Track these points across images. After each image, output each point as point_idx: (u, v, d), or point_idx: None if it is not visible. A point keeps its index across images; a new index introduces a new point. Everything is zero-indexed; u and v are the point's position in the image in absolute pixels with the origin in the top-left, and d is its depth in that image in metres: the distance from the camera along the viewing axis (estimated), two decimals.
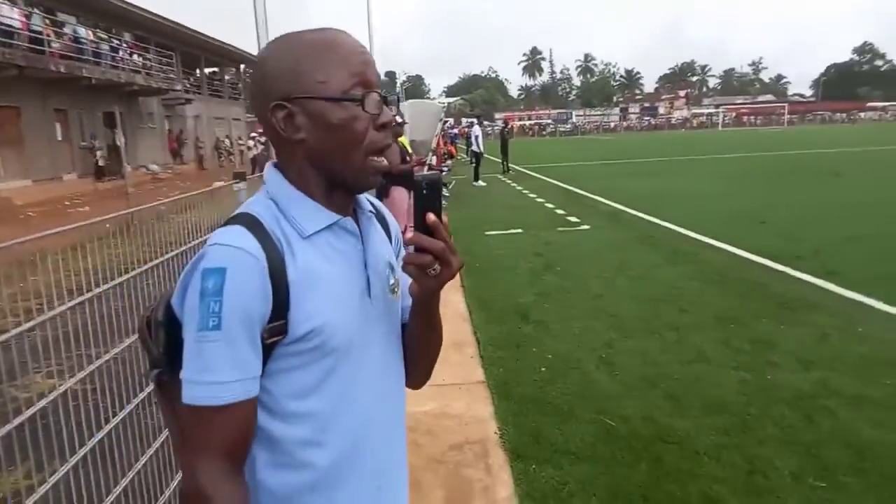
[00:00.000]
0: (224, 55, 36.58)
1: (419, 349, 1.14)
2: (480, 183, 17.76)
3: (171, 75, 28.74)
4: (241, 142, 34.44)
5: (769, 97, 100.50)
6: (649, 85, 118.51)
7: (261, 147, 21.54)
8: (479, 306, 5.86)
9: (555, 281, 6.76)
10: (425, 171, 7.79)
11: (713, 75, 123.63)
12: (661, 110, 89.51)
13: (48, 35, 19.16)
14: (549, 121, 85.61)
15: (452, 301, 5.92)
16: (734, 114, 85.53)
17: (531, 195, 14.89)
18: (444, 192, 12.61)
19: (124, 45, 24.67)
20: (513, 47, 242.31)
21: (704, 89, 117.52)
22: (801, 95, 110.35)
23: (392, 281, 1.09)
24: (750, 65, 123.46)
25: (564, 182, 17.40)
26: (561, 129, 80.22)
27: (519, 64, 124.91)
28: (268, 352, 0.94)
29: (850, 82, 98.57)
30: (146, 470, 2.27)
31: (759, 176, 17.15)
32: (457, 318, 5.49)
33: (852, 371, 4.07)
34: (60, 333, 1.90)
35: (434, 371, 1.22)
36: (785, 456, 3.12)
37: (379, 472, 1.05)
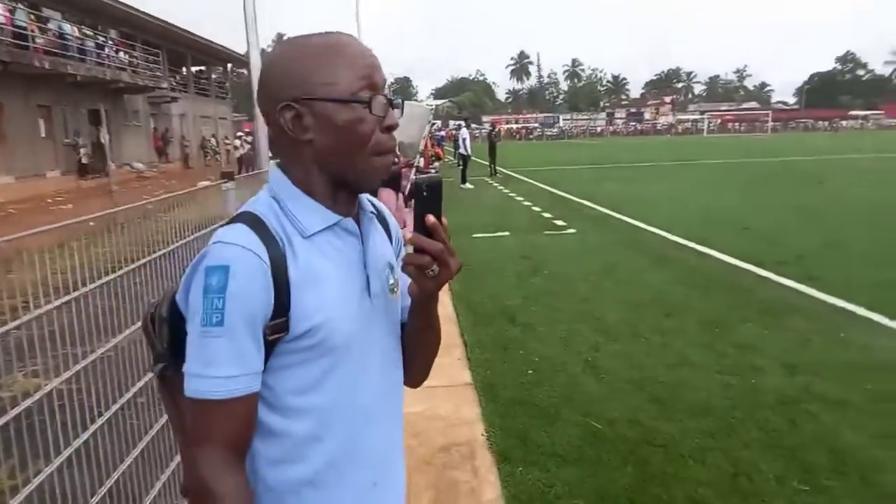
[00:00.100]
0: (211, 54, 36.38)
1: (418, 348, 1.16)
2: (468, 186, 17.80)
3: (158, 73, 28.51)
4: (227, 141, 34.23)
5: (753, 104, 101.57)
6: (635, 90, 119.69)
7: (247, 147, 21.43)
8: (466, 309, 5.87)
9: (542, 284, 6.79)
10: (412, 174, 7.80)
11: (698, 82, 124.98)
12: (647, 116, 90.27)
13: (33, 31, 18.94)
14: (537, 124, 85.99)
15: (440, 303, 5.91)
16: (719, 120, 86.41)
17: (518, 198, 14.94)
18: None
19: (110, 42, 24.44)
20: (501, 51, 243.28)
21: (690, 95, 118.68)
22: (785, 103, 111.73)
23: (392, 281, 1.11)
24: (735, 72, 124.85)
25: (551, 185, 17.47)
26: (548, 132, 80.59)
27: (507, 67, 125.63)
28: (270, 348, 0.96)
29: (832, 91, 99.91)
30: (131, 471, 2.24)
31: (743, 182, 17.33)
32: (444, 320, 5.41)
33: (835, 376, 4.13)
34: (46, 332, 1.88)
35: None
36: (769, 459, 3.16)
37: (375, 469, 1.07)
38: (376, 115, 0.98)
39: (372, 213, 1.12)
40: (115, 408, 2.17)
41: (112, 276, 2.27)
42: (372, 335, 1.06)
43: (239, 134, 26.65)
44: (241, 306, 0.90)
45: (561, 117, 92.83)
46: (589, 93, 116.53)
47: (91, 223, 2.42)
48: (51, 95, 20.47)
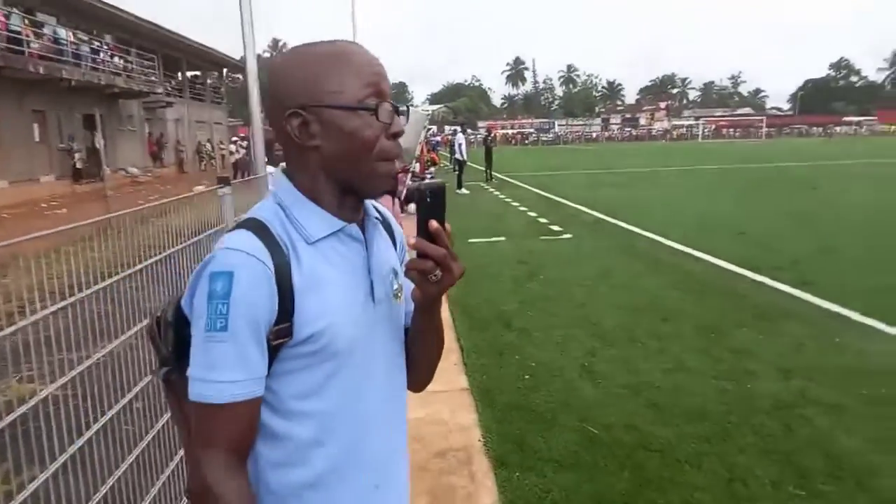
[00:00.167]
0: (206, 59, 36.33)
1: (421, 353, 1.17)
2: (464, 191, 17.80)
3: (153, 78, 28.44)
4: (222, 146, 34.21)
5: (748, 110, 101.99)
6: (631, 96, 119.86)
7: (242, 152, 21.40)
8: (462, 314, 5.87)
9: (538, 289, 6.80)
10: (408, 178, 7.79)
11: (693, 88, 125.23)
12: (643, 121, 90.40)
13: (27, 35, 18.90)
14: (532, 130, 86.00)
15: None
16: (714, 126, 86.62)
17: (514, 203, 14.96)
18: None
19: (105, 47, 24.39)
20: (496, 57, 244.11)
21: (685, 101, 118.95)
22: (779, 109, 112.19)
23: (395, 286, 1.12)
24: (729, 78, 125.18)
25: (547, 191, 17.51)
26: (543, 138, 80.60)
27: (502, 73, 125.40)
28: (274, 353, 0.97)
29: (826, 97, 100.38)
30: (126, 477, 2.23)
31: (738, 187, 17.40)
32: None
33: (830, 381, 4.14)
34: (42, 337, 1.87)
35: None
36: (765, 464, 3.17)
37: (378, 472, 1.08)
38: (382, 121, 0.99)
39: (377, 218, 1.12)
40: (110, 413, 2.16)
41: (108, 282, 2.25)
42: (376, 340, 1.06)
43: (234, 139, 26.57)
44: (244, 312, 0.91)
45: (556, 123, 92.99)
46: (584, 98, 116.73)
47: (87, 228, 2.41)
48: (45, 100, 20.41)
